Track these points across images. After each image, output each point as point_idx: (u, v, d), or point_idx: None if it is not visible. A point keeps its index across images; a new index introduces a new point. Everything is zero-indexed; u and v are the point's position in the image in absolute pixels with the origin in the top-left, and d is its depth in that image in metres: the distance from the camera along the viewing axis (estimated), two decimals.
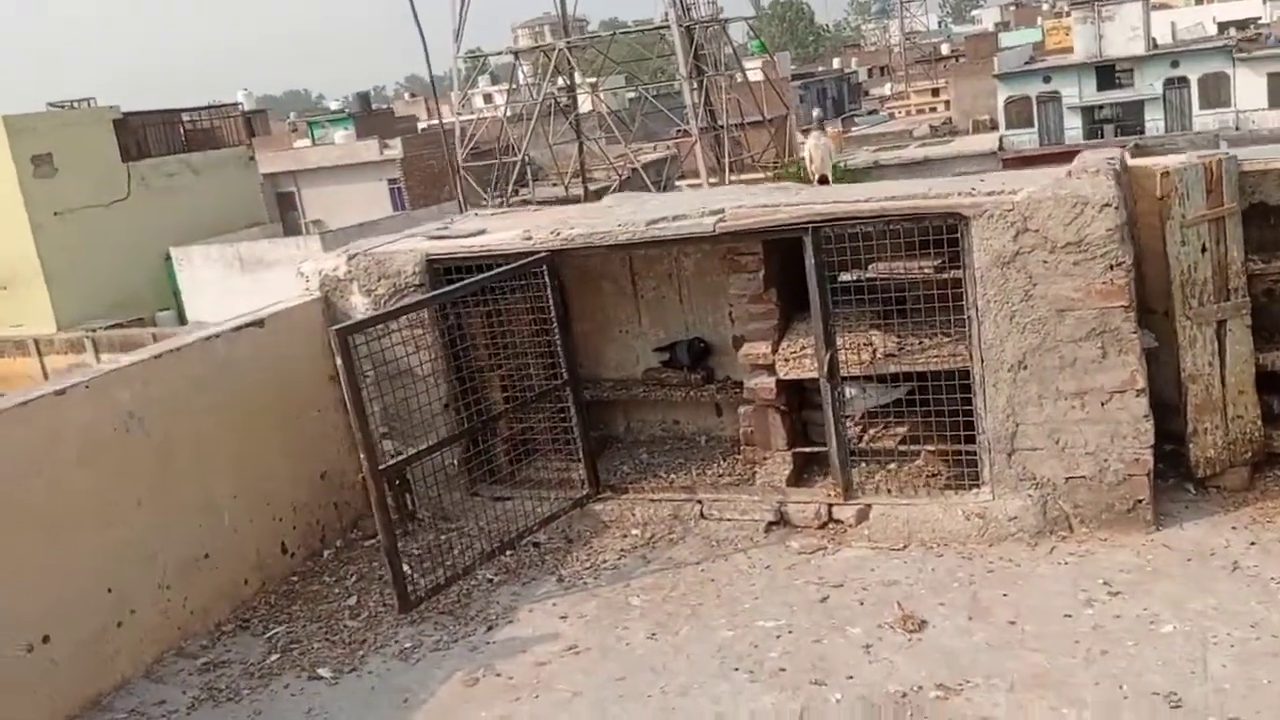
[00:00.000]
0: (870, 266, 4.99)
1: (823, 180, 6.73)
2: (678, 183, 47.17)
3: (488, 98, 65.22)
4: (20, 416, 4.10)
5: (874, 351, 5.18)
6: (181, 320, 39.20)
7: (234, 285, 38.10)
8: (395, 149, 44.17)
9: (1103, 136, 45.91)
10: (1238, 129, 41.00)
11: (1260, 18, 51.20)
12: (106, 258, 37.73)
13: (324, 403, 5.59)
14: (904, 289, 5.14)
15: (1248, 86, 42.01)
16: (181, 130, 42.43)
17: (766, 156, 44.13)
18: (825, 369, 5.01)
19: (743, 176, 41.62)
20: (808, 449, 5.57)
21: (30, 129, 37.43)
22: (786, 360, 5.38)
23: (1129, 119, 45.91)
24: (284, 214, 44.95)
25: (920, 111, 61.89)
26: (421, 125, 61.66)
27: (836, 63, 76.17)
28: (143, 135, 40.47)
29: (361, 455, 4.62)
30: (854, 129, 57.68)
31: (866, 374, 5.21)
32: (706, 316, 6.24)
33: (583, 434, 5.55)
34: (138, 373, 4.60)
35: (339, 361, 4.45)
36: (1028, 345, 4.69)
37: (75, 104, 40.19)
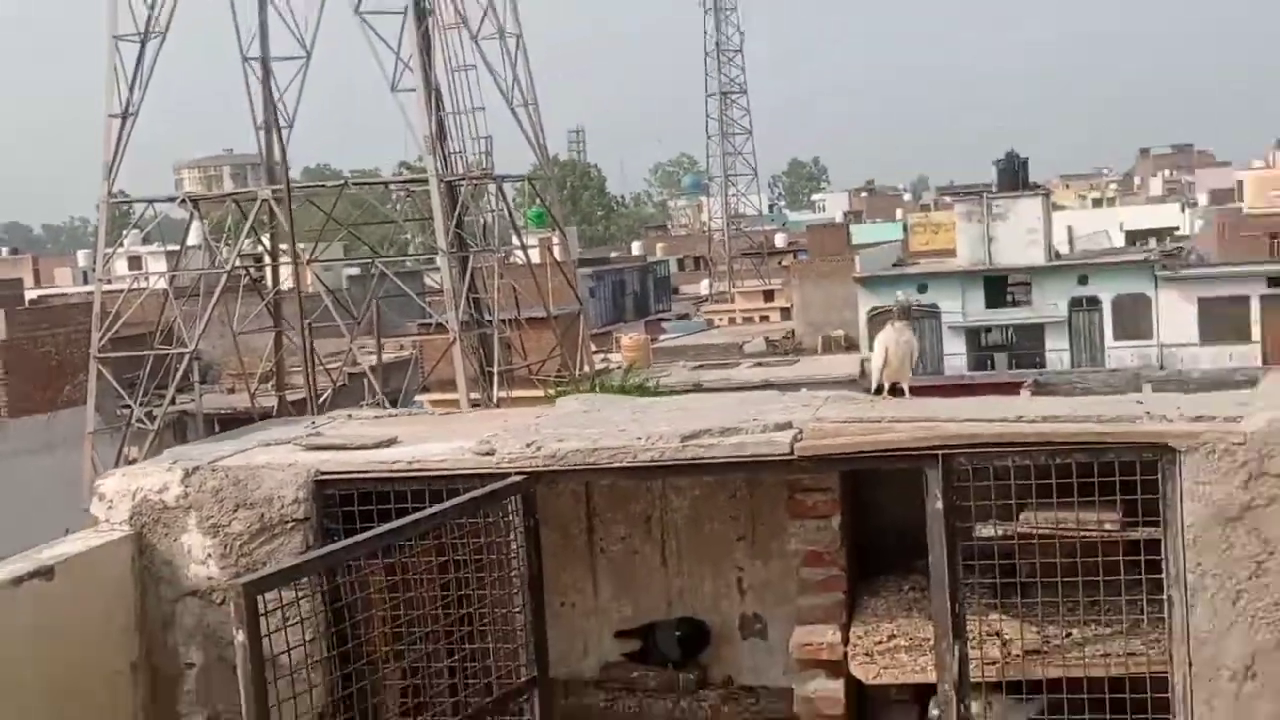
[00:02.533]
0: (1021, 518, 4.85)
1: (895, 391, 6.65)
2: (418, 397, 47.10)
3: (134, 261, 64.13)
4: None
5: (1006, 647, 4.98)
6: None
7: None
8: None
9: (992, 367, 49.70)
10: (1162, 367, 45.31)
11: (1178, 227, 57.81)
12: None
13: (121, 711, 4.83)
14: (1042, 552, 5.02)
15: (1173, 313, 46.90)
16: None
17: (549, 366, 44.69)
18: (954, 674, 4.74)
19: (515, 393, 41.97)
20: None
21: None
22: (870, 656, 5.09)
23: (1026, 345, 49.99)
24: None
25: (750, 319, 65.25)
26: (31, 295, 59.70)
27: (636, 248, 79.96)
28: None
29: None
30: (663, 337, 59.91)
31: (993, 681, 4.98)
32: (701, 585, 5.93)
33: None
34: None
35: (241, 639, 3.81)
36: (1259, 644, 4.61)
37: None
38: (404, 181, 46.03)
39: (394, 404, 42.62)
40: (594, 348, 49.41)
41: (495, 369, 41.20)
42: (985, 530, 4.94)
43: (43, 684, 4.51)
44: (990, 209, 49.06)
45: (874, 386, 7.10)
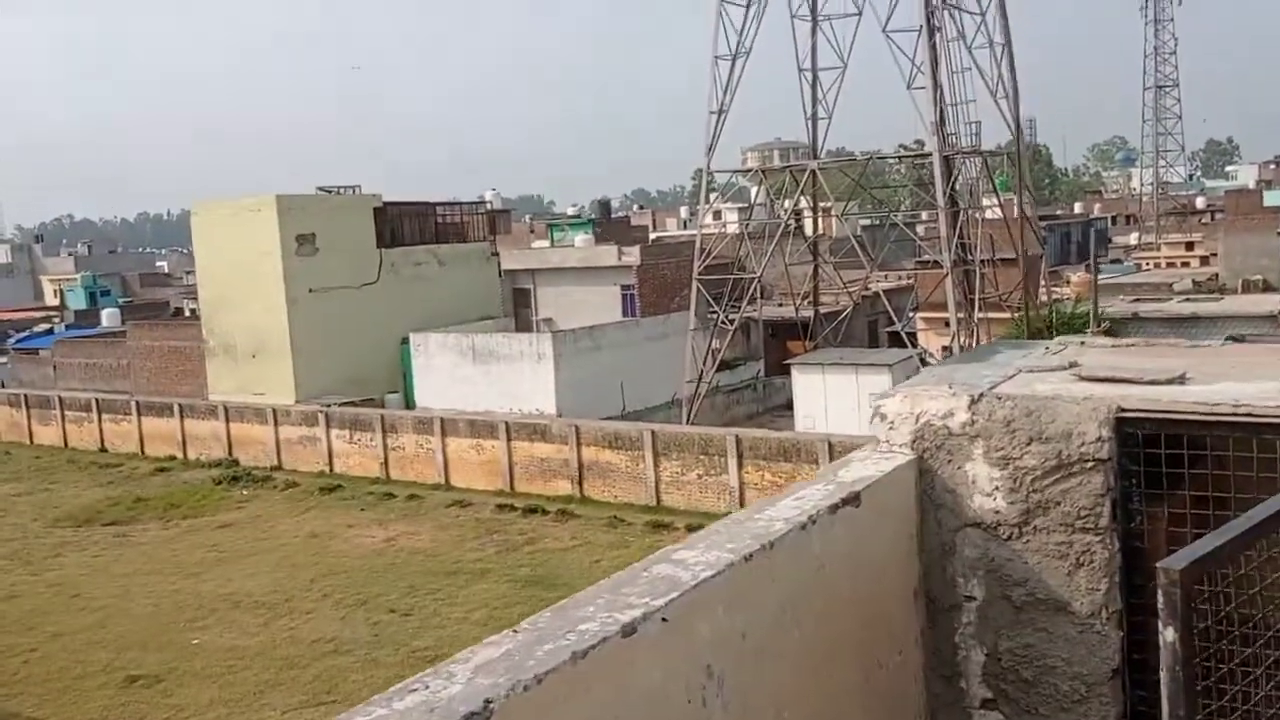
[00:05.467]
0: None
1: None
2: (910, 313, 44.57)
3: (717, 214, 64.79)
4: (576, 680, 1.96)
5: None
6: (408, 404, 39.04)
7: (463, 374, 37.69)
8: (632, 256, 43.44)
9: None
10: None
11: None
12: (350, 337, 38.12)
13: (906, 637, 3.28)
14: None
15: None
16: (434, 223, 43.17)
17: (1014, 296, 41.25)
18: None
19: (990, 315, 39.03)
20: None
21: (299, 209, 38.59)
22: None
23: None
24: (517, 310, 44.74)
25: (1171, 265, 57.29)
26: (652, 236, 61.62)
27: (1077, 208, 72.16)
28: (398, 224, 41.28)
29: None
30: (1101, 277, 53.73)
31: None
32: None
33: None
34: (723, 590, 2.40)
35: (1170, 636, 2.10)
36: None
37: (341, 189, 41.39)
38: (913, 156, 43.26)
39: (898, 318, 40.63)
40: (1044, 284, 45.24)
41: (976, 296, 38.50)
42: None
43: (854, 605, 2.97)
44: None
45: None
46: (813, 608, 2.75)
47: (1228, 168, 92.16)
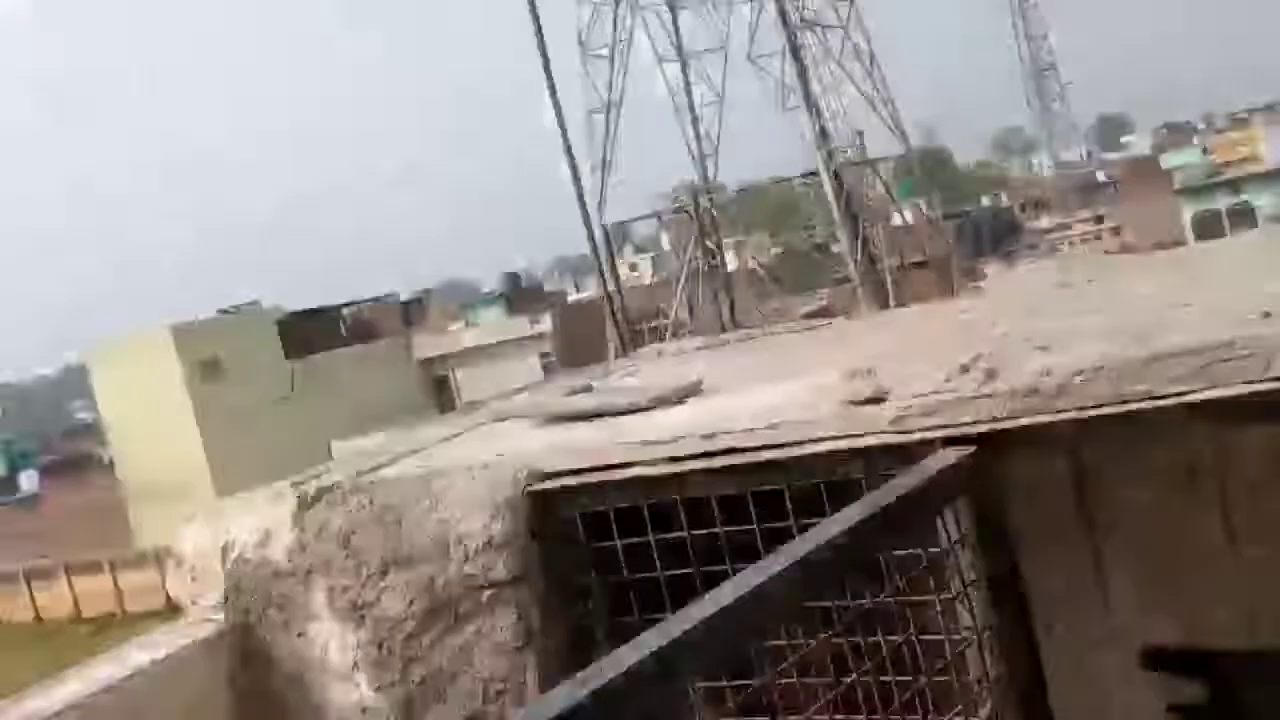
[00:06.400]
0: None
1: None
2: None
3: (633, 266, 63.70)
4: None
5: None
6: None
7: None
8: (544, 324, 42.09)
9: None
10: None
11: None
12: (273, 457, 36.03)
13: None
14: None
15: None
16: (341, 325, 41.61)
17: (931, 295, 40.49)
18: None
19: None
20: None
21: (197, 336, 36.86)
22: None
23: None
24: (440, 399, 43.03)
25: (1085, 240, 57.02)
26: (571, 299, 60.06)
27: (985, 200, 71.93)
28: (305, 332, 39.62)
29: None
30: (1023, 264, 53.26)
31: None
32: None
33: None
34: None
35: None
36: None
37: (240, 307, 39.69)
38: (798, 178, 42.64)
39: None
40: (958, 280, 44.59)
41: (891, 304, 38.07)
42: None
43: None
44: None
45: None
46: None
47: (1123, 139, 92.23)
